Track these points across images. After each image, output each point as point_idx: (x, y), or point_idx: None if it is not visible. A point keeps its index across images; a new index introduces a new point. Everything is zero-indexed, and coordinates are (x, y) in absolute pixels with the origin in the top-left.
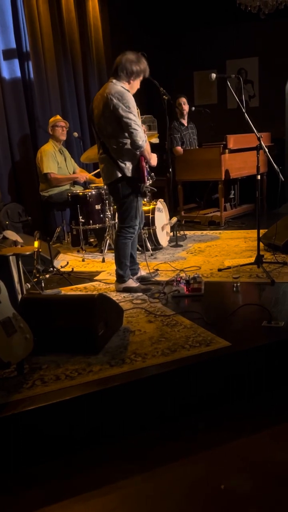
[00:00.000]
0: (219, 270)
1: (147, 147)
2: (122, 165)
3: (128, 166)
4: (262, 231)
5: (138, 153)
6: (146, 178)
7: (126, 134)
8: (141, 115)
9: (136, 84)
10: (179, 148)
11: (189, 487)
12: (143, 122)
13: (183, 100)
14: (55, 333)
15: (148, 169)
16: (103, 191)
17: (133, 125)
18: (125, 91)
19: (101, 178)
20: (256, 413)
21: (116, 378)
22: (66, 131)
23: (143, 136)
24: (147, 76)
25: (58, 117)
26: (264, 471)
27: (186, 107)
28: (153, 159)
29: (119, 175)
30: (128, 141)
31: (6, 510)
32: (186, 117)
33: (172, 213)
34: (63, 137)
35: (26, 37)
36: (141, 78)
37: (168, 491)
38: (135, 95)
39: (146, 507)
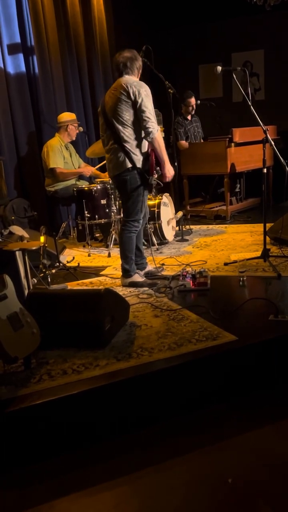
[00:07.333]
0: (225, 264)
1: (161, 144)
2: (134, 156)
3: (139, 158)
4: (268, 225)
5: (150, 146)
6: (154, 172)
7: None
8: None
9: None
10: (184, 142)
11: (196, 481)
12: None
13: (193, 101)
14: (62, 327)
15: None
16: (108, 186)
17: (147, 113)
18: (143, 83)
19: (106, 173)
20: (261, 407)
21: (123, 373)
22: None
23: (156, 126)
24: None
25: (74, 116)
26: (271, 464)
27: (194, 105)
28: (168, 168)
29: (129, 165)
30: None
31: (15, 504)
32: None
33: (177, 207)
34: (74, 137)
35: (30, 31)
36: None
37: (175, 485)
38: None
39: (153, 501)
